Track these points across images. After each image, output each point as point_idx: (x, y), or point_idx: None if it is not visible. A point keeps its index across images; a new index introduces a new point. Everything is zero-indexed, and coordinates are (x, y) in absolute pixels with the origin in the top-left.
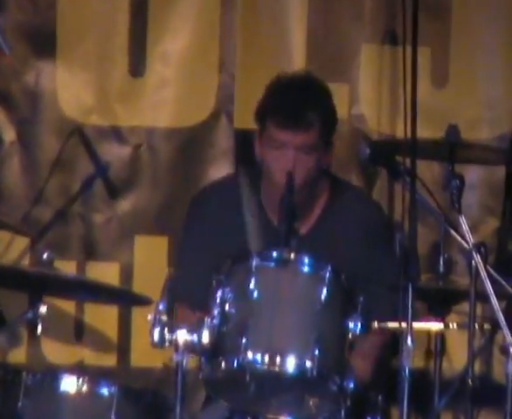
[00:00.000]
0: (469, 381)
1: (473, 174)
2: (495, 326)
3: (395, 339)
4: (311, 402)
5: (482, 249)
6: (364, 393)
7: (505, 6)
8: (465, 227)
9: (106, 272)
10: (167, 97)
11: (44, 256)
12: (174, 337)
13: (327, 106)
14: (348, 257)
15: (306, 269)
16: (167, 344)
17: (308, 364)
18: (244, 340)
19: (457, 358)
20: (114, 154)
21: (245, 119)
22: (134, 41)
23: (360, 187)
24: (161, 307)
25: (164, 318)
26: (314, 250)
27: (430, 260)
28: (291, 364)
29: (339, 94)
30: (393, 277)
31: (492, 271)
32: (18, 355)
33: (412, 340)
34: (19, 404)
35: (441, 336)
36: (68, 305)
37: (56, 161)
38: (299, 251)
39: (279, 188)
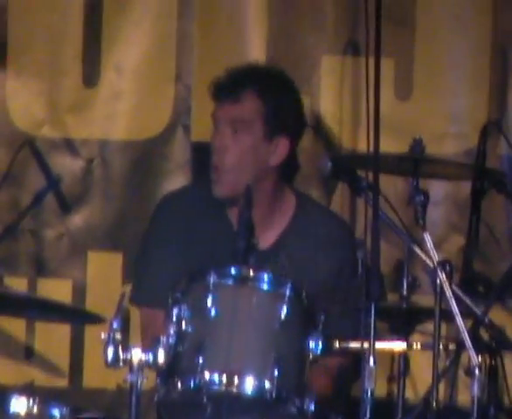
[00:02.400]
0: (433, 403)
1: (438, 189)
2: (460, 347)
3: (356, 362)
4: None
5: (447, 266)
6: (325, 415)
7: (471, 17)
8: (429, 244)
9: (57, 290)
10: (121, 108)
11: None
12: (128, 356)
13: (273, 89)
14: (312, 274)
15: (265, 286)
16: (121, 364)
17: (267, 385)
18: (201, 360)
19: (421, 380)
20: (66, 167)
21: (203, 131)
22: (87, 50)
23: (326, 207)
24: (115, 325)
25: (118, 336)
26: (276, 265)
27: (393, 279)
28: (249, 385)
29: None
30: (357, 299)
31: (457, 289)
32: None
33: (375, 361)
34: None
35: (404, 357)
36: (18, 324)
37: (6, 175)
38: (259, 267)
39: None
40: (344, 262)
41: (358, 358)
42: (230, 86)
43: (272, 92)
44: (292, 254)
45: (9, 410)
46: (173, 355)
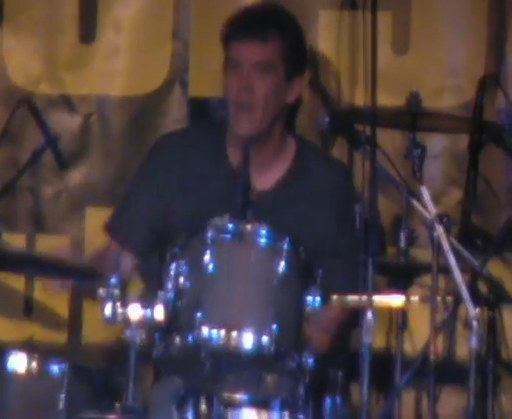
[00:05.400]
0: (431, 356)
1: (435, 143)
2: (458, 300)
3: (355, 312)
4: (268, 380)
5: (445, 220)
6: (324, 370)
7: None
8: (427, 197)
9: (56, 246)
10: (119, 65)
11: None
12: (126, 312)
13: (291, 28)
14: (311, 219)
15: (263, 241)
16: (119, 319)
17: (266, 340)
18: (199, 315)
19: (419, 333)
20: (64, 123)
21: (200, 87)
22: (84, 7)
23: (327, 151)
24: (113, 281)
25: (116, 292)
26: (276, 208)
27: (392, 232)
28: (248, 340)
29: None
30: (356, 248)
31: (455, 243)
32: None
33: (373, 315)
34: None
35: (402, 311)
36: (17, 281)
37: (3, 132)
38: (257, 217)
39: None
40: (343, 203)
41: (356, 309)
42: (256, 26)
43: (291, 32)
44: (292, 197)
45: (7, 367)
46: (171, 311)
